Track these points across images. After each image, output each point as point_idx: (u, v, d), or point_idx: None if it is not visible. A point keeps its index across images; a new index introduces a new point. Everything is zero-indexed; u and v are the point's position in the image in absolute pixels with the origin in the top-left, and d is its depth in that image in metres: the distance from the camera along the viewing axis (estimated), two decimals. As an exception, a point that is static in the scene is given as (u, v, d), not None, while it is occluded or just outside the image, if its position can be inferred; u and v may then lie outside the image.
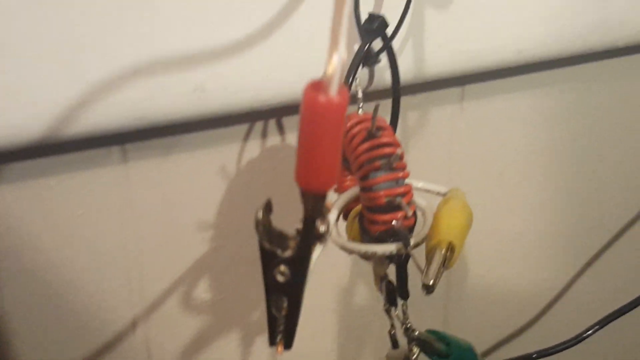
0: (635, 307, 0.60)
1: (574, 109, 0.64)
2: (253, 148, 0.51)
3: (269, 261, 0.34)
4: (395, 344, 0.50)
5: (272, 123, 0.51)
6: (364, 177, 0.43)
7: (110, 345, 0.52)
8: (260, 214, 0.33)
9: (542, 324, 0.74)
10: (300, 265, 0.33)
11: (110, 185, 0.48)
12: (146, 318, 0.52)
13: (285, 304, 0.35)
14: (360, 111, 0.46)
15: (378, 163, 0.42)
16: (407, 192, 0.43)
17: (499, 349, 0.72)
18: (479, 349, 0.48)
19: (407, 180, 0.43)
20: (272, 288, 0.34)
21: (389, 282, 0.47)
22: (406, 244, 0.42)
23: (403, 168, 0.43)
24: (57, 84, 0.39)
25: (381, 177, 0.42)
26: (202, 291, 0.54)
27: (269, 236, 0.33)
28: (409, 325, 0.47)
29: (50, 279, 0.47)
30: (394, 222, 0.42)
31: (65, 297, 0.49)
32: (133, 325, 0.52)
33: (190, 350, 0.55)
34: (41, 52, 0.38)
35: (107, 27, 0.40)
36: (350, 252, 0.44)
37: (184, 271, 0.52)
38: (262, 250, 0.33)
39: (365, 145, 0.43)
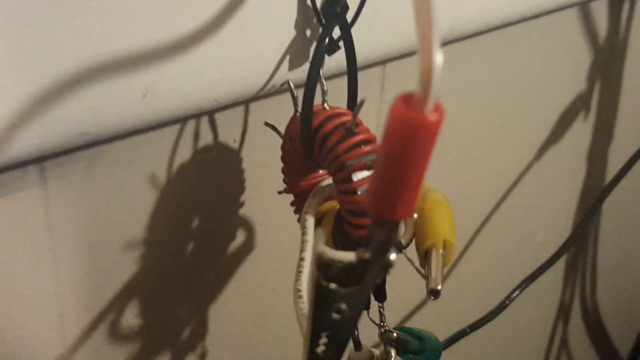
0: (547, 269, 0.61)
1: (489, 79, 0.63)
2: (184, 150, 0.44)
3: (326, 300, 0.28)
4: (357, 345, 0.47)
5: (204, 121, 0.44)
6: (346, 179, 0.38)
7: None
8: (322, 248, 0.28)
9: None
10: (361, 299, 0.29)
11: (26, 212, 0.39)
12: (68, 356, 0.44)
13: (327, 342, 0.30)
14: (325, 105, 0.41)
15: (362, 162, 0.38)
16: (393, 192, 0.39)
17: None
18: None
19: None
20: (322, 328, 0.29)
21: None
22: (400, 247, 0.39)
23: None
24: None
25: (367, 177, 0.38)
26: (131, 317, 0.46)
27: (327, 272, 0.28)
28: (386, 327, 0.44)
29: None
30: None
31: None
32: (54, 369, 0.44)
33: (118, 385, 0.48)
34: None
35: (37, 31, 0.31)
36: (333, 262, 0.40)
37: (110, 299, 0.45)
38: (321, 290, 0.28)
39: (346, 145, 0.38)
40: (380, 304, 0.44)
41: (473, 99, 0.63)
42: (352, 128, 0.39)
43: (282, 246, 0.53)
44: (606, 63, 0.74)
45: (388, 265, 0.28)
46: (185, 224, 0.46)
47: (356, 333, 0.47)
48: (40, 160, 0.38)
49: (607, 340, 1.03)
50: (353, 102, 0.43)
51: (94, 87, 0.34)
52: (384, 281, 0.43)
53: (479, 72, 0.61)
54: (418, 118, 0.24)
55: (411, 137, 0.24)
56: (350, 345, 0.48)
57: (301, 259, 0.39)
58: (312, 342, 0.30)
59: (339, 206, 0.43)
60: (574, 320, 0.95)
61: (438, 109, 0.24)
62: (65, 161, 0.39)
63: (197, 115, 0.43)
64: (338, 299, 0.28)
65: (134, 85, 0.35)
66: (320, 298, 0.28)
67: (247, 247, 0.51)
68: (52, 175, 0.39)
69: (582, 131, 0.76)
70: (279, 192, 0.46)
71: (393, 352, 0.44)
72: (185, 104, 0.38)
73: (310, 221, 0.40)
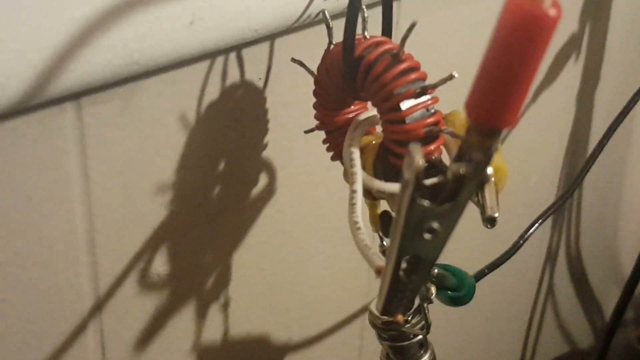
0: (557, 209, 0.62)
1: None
2: (212, 88, 0.42)
3: (419, 218, 0.27)
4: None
5: (232, 58, 0.42)
6: (393, 109, 0.37)
7: (60, 349, 0.42)
8: (421, 161, 0.26)
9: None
10: (454, 218, 0.28)
11: (62, 152, 0.37)
12: (99, 310, 0.43)
13: (410, 267, 0.30)
14: (365, 34, 0.39)
15: (411, 90, 0.37)
16: (440, 120, 0.38)
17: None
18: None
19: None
20: (410, 250, 0.29)
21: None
22: (450, 176, 0.38)
23: (432, 92, 0.38)
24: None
25: (417, 105, 0.37)
26: (160, 265, 0.45)
27: (420, 189, 0.27)
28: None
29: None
30: (434, 155, 0.38)
31: (9, 299, 0.38)
32: (84, 321, 0.42)
33: (146, 335, 0.46)
34: None
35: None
36: (382, 194, 0.39)
37: (141, 246, 0.43)
38: (415, 208, 0.27)
39: (393, 72, 0.37)
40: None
41: (466, 41, 0.62)
42: (399, 55, 0.38)
43: (302, 190, 0.52)
44: (596, 3, 0.74)
45: (485, 179, 0.27)
46: (212, 167, 0.45)
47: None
48: (77, 96, 0.36)
49: (589, 288, 1.05)
50: (388, 30, 0.42)
51: (145, 13, 0.32)
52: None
53: (473, 12, 0.61)
54: (537, 11, 0.23)
55: (527, 31, 0.24)
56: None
57: (353, 191, 0.38)
58: (396, 267, 0.29)
59: (377, 139, 0.42)
60: (559, 267, 0.96)
61: (556, 4, 0.24)
62: (101, 99, 0.37)
63: (226, 51, 0.42)
64: (431, 216, 0.28)
65: (183, 12, 0.33)
66: (413, 216, 0.27)
67: (269, 191, 0.50)
68: (88, 114, 0.37)
69: (572, 73, 0.77)
70: (306, 132, 0.45)
71: (433, 289, 0.44)
72: (228, 34, 0.36)
73: (357, 154, 0.39)
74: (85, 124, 0.37)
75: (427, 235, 0.28)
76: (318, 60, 0.41)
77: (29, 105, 0.32)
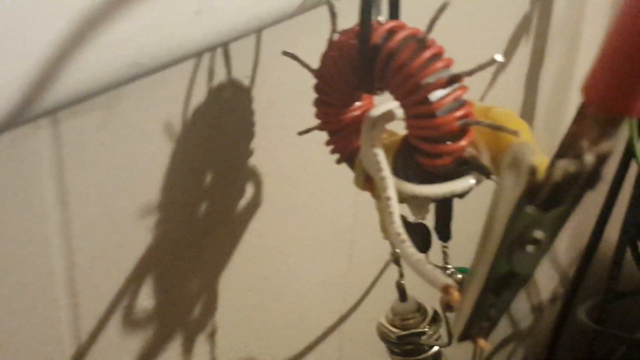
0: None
1: None
2: (199, 90, 0.37)
3: (521, 229, 0.23)
4: (403, 295, 0.42)
5: (219, 55, 0.37)
6: (422, 101, 0.33)
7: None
8: (532, 160, 0.22)
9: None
10: (560, 225, 0.23)
11: (35, 179, 0.31)
12: (81, 353, 0.36)
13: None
14: (379, 18, 0.35)
15: (441, 80, 0.33)
16: (471, 111, 0.34)
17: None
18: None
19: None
20: (504, 265, 0.24)
21: (423, 225, 0.38)
22: (486, 172, 0.34)
23: (461, 81, 0.34)
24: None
25: (447, 96, 0.33)
26: (145, 298, 0.39)
27: (531, 194, 0.23)
28: (451, 269, 0.39)
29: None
30: (467, 151, 0.34)
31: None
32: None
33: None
34: None
35: None
36: (413, 199, 0.35)
37: (125, 279, 0.37)
38: (519, 216, 0.23)
39: (420, 60, 0.33)
40: (444, 244, 0.39)
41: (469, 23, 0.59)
42: (425, 40, 0.33)
43: (286, 199, 0.47)
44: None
45: (597, 178, 0.23)
46: (197, 181, 0.39)
47: (403, 282, 0.42)
48: (53, 112, 0.29)
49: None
50: (395, 14, 0.37)
51: (145, 4, 0.26)
52: (451, 217, 0.38)
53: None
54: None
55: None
56: (391, 295, 0.43)
57: (387, 199, 0.33)
58: (486, 287, 0.25)
59: (390, 137, 0.38)
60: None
61: None
62: (81, 110, 0.31)
63: (213, 48, 0.36)
64: (536, 225, 0.23)
65: (185, 3, 0.28)
66: (516, 227, 0.23)
67: (255, 203, 0.44)
68: (66, 129, 0.31)
69: (523, 55, 0.74)
70: (301, 133, 0.40)
71: (456, 294, 0.40)
72: (233, 23, 0.31)
73: (382, 155, 0.34)
74: (63, 142, 0.31)
75: (529, 248, 0.24)
76: (306, 53, 0.36)
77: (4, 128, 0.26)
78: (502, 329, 1.07)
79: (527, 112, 0.82)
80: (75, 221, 0.33)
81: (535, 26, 0.74)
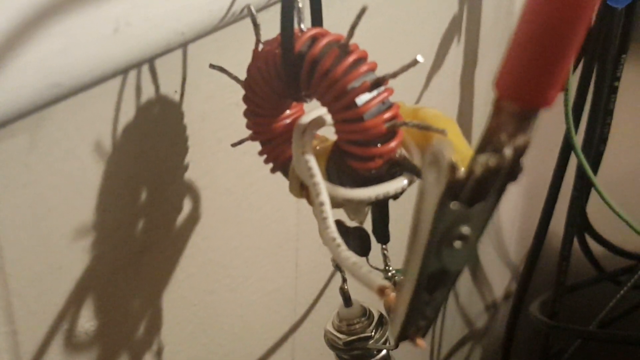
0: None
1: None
2: (128, 107, 0.36)
3: (447, 225, 0.23)
4: (347, 300, 0.42)
5: (145, 71, 0.37)
6: (349, 106, 0.33)
7: None
8: (451, 158, 0.22)
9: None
10: (486, 219, 0.24)
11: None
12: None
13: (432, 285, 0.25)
14: (302, 26, 0.35)
15: (366, 84, 0.33)
16: (398, 112, 0.35)
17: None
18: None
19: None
20: (434, 262, 0.24)
21: (361, 229, 0.38)
22: (418, 172, 0.34)
23: (386, 84, 0.34)
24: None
25: (373, 100, 0.33)
26: (86, 320, 0.38)
27: (452, 191, 0.23)
28: (392, 271, 0.39)
29: None
30: (398, 152, 0.34)
31: None
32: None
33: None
34: None
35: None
36: (348, 203, 0.35)
37: (64, 302, 0.37)
38: (444, 213, 0.23)
39: (343, 65, 0.33)
40: (383, 246, 0.39)
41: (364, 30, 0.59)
42: (347, 46, 0.34)
43: (225, 211, 0.47)
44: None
45: (518, 170, 0.23)
46: (132, 199, 0.39)
47: (346, 287, 0.43)
48: (-25, 136, 0.29)
49: (480, 266, 1.06)
50: (318, 21, 0.37)
51: (62, 23, 0.26)
52: (387, 219, 0.38)
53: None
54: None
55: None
56: (340, 301, 0.43)
57: (321, 204, 0.33)
58: (418, 285, 0.25)
59: (322, 143, 0.38)
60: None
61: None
62: (4, 134, 0.30)
63: (136, 65, 0.36)
64: (462, 221, 0.24)
65: (106, 18, 0.28)
66: (442, 224, 0.23)
67: (194, 218, 0.44)
68: (-10, 154, 0.30)
69: (456, 56, 0.76)
70: (234, 145, 0.40)
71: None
72: (154, 39, 0.31)
73: (314, 161, 0.35)
74: (-11, 167, 0.30)
75: (457, 244, 0.24)
76: (234, 64, 0.37)
77: None
78: (458, 329, 1.08)
79: (465, 112, 0.84)
80: (5, 247, 0.32)
81: (465, 26, 0.76)
